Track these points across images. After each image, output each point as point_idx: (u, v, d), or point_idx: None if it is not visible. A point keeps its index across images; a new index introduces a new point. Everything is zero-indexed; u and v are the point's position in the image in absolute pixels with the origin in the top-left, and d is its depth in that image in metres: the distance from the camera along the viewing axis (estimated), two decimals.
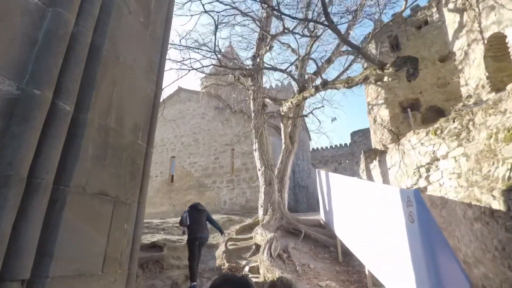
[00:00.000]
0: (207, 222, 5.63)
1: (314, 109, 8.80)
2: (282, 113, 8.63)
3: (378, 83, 9.93)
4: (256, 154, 9.39)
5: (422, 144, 5.27)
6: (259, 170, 9.20)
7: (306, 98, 7.18)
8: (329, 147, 34.34)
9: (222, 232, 5.93)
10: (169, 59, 8.77)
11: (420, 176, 5.44)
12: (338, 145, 33.91)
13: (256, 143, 9.37)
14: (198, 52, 8.77)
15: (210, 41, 9.56)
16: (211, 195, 15.60)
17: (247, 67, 8.37)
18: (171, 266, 5.68)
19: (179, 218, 5.51)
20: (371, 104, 10.37)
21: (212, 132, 17.05)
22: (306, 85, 7.69)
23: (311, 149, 28.13)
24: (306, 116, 8.90)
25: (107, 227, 2.17)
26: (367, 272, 5.20)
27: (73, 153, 1.97)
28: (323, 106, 8.90)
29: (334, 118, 9.73)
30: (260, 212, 8.70)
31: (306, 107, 10.50)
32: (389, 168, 6.98)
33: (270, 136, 15.82)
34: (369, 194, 4.71)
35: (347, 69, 6.99)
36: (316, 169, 9.77)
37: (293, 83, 10.84)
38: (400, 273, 3.74)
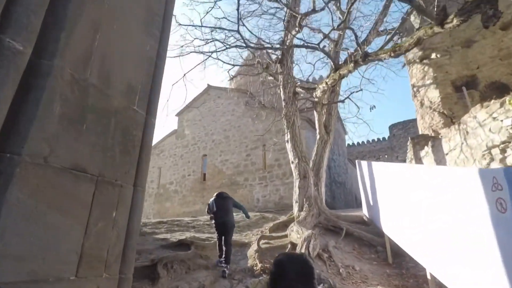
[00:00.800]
0: (235, 207, 5.90)
1: (351, 93, 7.89)
2: (316, 99, 7.82)
3: (425, 61, 8.73)
4: (288, 146, 8.65)
5: (494, 118, 4.22)
6: (292, 163, 8.44)
7: (343, 77, 6.33)
8: (365, 142, 32.50)
9: (247, 216, 6.27)
10: (194, 50, 8.35)
11: (493, 159, 4.39)
12: (376, 140, 31.95)
13: (288, 134, 8.63)
14: (222, 41, 8.23)
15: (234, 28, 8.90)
16: (244, 193, 15.07)
17: (275, 46, 7.65)
18: (198, 267, 5.13)
19: (206, 207, 5.86)
20: (417, 86, 9.18)
21: (243, 128, 16.54)
22: (342, 64, 6.81)
23: (346, 145, 26.69)
24: (342, 101, 8.01)
25: (85, 215, 1.58)
26: (428, 277, 4.27)
27: (28, 109, 1.41)
28: (361, 90, 7.95)
29: (373, 106, 8.71)
30: (295, 208, 7.95)
31: (341, 94, 9.57)
32: (447, 154, 5.91)
33: (303, 130, 14.95)
34: (429, 182, 3.80)
35: (390, 40, 5.99)
36: (356, 161, 8.81)
37: (326, 64, 9.93)
38: (481, 278, 2.83)
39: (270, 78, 11.00)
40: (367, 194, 7.76)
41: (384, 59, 5.04)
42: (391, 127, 30.25)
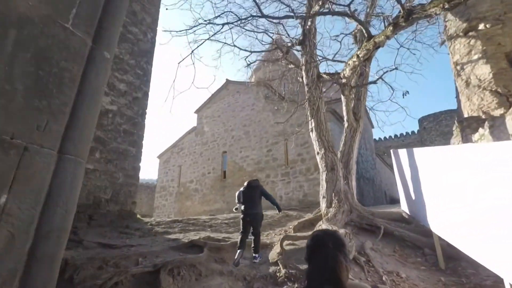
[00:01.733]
0: (264, 197, 5.53)
1: (384, 73, 6.80)
2: (343, 80, 6.81)
3: (471, 33, 7.46)
4: (313, 135, 7.68)
5: None
6: (318, 154, 7.47)
7: (378, 46, 5.29)
8: (393, 136, 30.62)
9: (279, 209, 5.88)
10: (209, 37, 7.57)
11: None
12: (404, 134, 29.97)
13: (312, 122, 7.65)
14: (236, 14, 7.40)
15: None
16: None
17: (298, 14, 6.70)
18: (211, 272, 4.31)
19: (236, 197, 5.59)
20: (460, 63, 7.89)
21: (263, 123, 15.68)
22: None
23: (373, 139, 25.09)
24: (374, 82, 6.93)
25: None
26: (508, 287, 3.19)
27: None
28: (396, 68, 6.82)
29: (406, 92, 7.54)
30: (323, 204, 6.97)
31: (371, 76, 8.46)
32: None
33: (328, 122, 13.84)
34: (501, 164, 2.73)
35: None
36: (392, 150, 7.70)
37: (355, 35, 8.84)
38: None
39: (291, 66, 10.07)
40: (407, 187, 6.64)
41: (435, 14, 3.96)
42: (421, 120, 28.20)
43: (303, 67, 8.04)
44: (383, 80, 7.02)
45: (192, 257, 4.36)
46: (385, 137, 30.89)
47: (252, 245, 5.14)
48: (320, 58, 7.94)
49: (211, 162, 16.96)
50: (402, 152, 7.03)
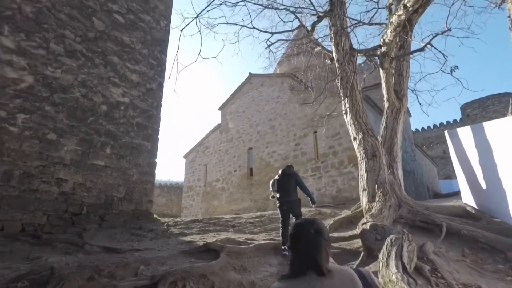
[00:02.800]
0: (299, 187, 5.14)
1: (434, 37, 5.46)
2: (383, 48, 5.58)
3: None
4: (348, 118, 6.49)
5: None
6: (355, 139, 6.26)
7: None
8: (431, 127, 28.02)
9: (313, 201, 5.21)
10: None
11: None
12: (445, 123, 27.29)
13: (346, 102, 6.47)
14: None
15: None
16: None
17: None
18: (227, 284, 3.35)
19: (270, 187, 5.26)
20: None
21: (289, 115, 14.57)
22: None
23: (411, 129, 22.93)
24: (422, 50, 5.62)
25: None
26: None
27: None
28: (449, 29, 5.45)
29: (454, 67, 6.11)
30: (363, 198, 5.76)
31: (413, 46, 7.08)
32: None
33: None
34: None
35: None
36: (447, 131, 6.33)
37: None
38: None
39: (317, 49, 8.91)
40: (473, 174, 5.26)
41: None
42: (464, 107, 25.45)
43: (332, 41, 6.87)
44: (432, 45, 5.66)
45: (202, 265, 3.42)
46: (422, 128, 28.26)
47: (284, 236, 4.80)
48: (354, 22, 6.70)
49: (237, 160, 16.13)
50: (464, 131, 5.65)
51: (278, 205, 5.03)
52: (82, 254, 4.42)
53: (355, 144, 6.32)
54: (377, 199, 5.37)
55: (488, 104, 24.32)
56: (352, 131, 6.37)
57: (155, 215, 7.18)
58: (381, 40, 5.63)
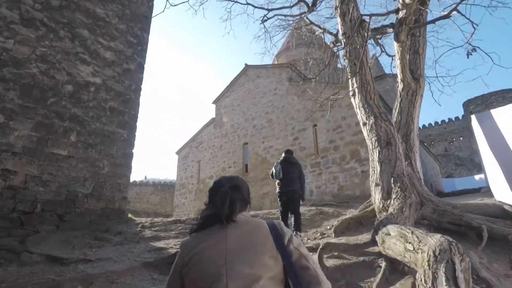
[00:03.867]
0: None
1: (461, 1, 4.44)
2: (400, 14, 4.55)
3: None
4: (356, 100, 5.44)
5: None
6: (365, 125, 5.21)
7: None
8: (433, 124, 27.06)
9: (303, 198, 4.94)
10: None
11: None
12: (447, 120, 26.31)
13: (355, 81, 5.42)
14: None
15: None
16: None
17: None
18: None
19: (271, 171, 4.95)
20: None
21: (287, 108, 13.51)
22: None
23: None
24: (446, 17, 4.62)
25: None
26: None
27: None
28: None
29: (472, 50, 5.08)
30: (376, 194, 4.71)
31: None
32: None
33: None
34: None
35: None
36: (474, 115, 5.31)
37: None
38: None
39: (318, 32, 7.90)
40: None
41: None
42: (467, 104, 24.47)
43: (338, 11, 5.82)
44: (459, 12, 4.62)
45: None
46: (423, 125, 27.30)
47: (293, 225, 4.65)
48: None
49: (232, 156, 15.06)
50: (500, 113, 4.61)
51: (278, 193, 4.77)
52: (16, 265, 3.34)
53: (364, 131, 5.26)
54: (394, 196, 4.32)
55: (492, 101, 23.39)
56: (361, 115, 5.32)
57: (130, 215, 6.10)
58: (399, 2, 4.58)
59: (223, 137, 15.76)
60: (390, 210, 4.02)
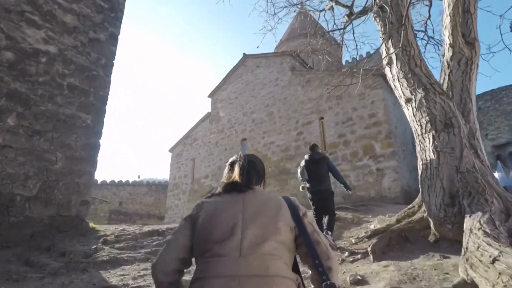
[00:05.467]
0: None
1: None
2: None
3: None
4: (393, 69, 3.97)
5: None
6: (409, 101, 3.72)
7: None
8: None
9: (348, 188, 4.50)
10: None
11: None
12: None
13: (391, 45, 3.96)
14: None
15: None
16: (297, 184, 10.50)
17: None
18: None
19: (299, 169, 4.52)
20: None
21: (290, 100, 12.03)
22: None
23: None
24: None
25: None
26: None
27: None
28: None
29: None
30: (431, 197, 3.23)
31: None
32: None
33: (378, 90, 10.01)
34: None
35: None
36: None
37: None
38: None
39: (329, 6, 6.49)
40: None
41: None
42: (476, 99, 23.07)
43: None
44: None
45: None
46: None
47: (325, 224, 4.13)
48: None
49: (229, 153, 13.54)
50: None
51: (309, 196, 4.34)
52: None
53: (408, 110, 3.78)
54: (466, 201, 2.86)
55: (502, 96, 21.96)
56: (402, 89, 3.84)
57: (92, 225, 4.58)
58: None
59: (219, 133, 14.26)
60: (470, 223, 2.54)
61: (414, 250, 3.21)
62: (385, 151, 9.18)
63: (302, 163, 4.46)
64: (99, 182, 20.97)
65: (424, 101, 3.51)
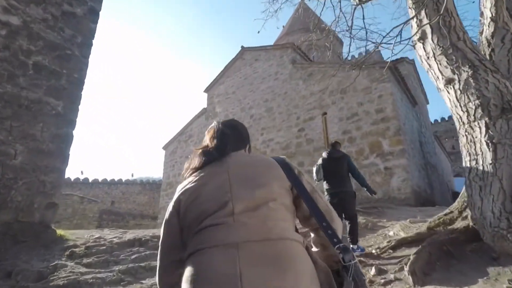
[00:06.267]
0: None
1: None
2: None
3: None
4: (428, 46, 3.23)
5: None
6: (450, 82, 2.98)
7: None
8: (439, 120, 25.17)
9: (372, 191, 3.92)
10: None
11: None
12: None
13: (424, 16, 3.22)
14: None
15: None
16: None
17: None
18: None
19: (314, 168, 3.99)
20: None
21: (291, 95, 11.29)
22: None
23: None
24: None
25: None
26: None
27: None
28: None
29: None
30: (484, 202, 2.53)
31: None
32: None
33: (386, 83, 9.30)
34: None
35: None
36: None
37: None
38: None
39: None
40: None
41: None
42: None
43: None
44: None
45: None
46: (430, 122, 25.38)
47: (348, 235, 3.53)
48: None
49: None
50: None
51: (327, 198, 3.55)
52: None
53: (449, 94, 3.04)
54: None
55: None
56: (440, 68, 3.10)
57: (61, 232, 3.77)
58: None
59: None
60: None
61: (464, 270, 2.48)
62: (394, 149, 8.48)
63: (319, 161, 3.98)
64: (90, 180, 20.07)
65: (471, 81, 2.77)
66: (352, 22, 5.20)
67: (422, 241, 3.27)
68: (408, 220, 4.56)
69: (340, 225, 0.88)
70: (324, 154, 4.06)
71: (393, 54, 3.35)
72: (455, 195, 15.45)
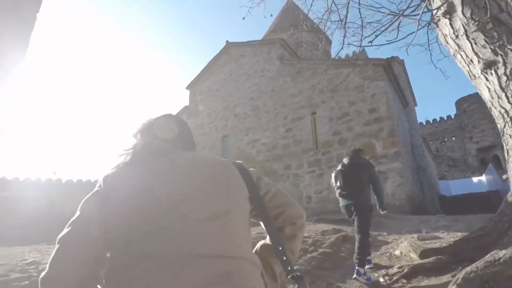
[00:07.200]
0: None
1: None
2: None
3: None
4: (457, 21, 2.52)
5: None
6: (491, 64, 2.25)
7: None
8: (424, 123, 25.14)
9: (382, 207, 3.50)
10: None
11: None
12: (438, 119, 24.41)
13: None
14: None
15: None
16: (286, 187, 8.96)
17: None
18: None
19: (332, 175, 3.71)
20: None
21: (278, 93, 10.53)
22: None
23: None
24: None
25: None
26: None
27: None
28: None
29: None
30: None
31: None
32: None
33: (377, 82, 8.69)
34: None
35: None
36: None
37: None
38: None
39: None
40: None
41: None
42: (460, 102, 22.63)
43: None
44: None
45: None
46: None
47: (356, 252, 3.12)
48: None
49: (208, 151, 11.86)
50: None
51: (341, 205, 3.54)
52: None
53: (488, 81, 2.33)
54: None
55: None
56: (475, 48, 2.38)
57: None
58: None
59: (198, 129, 12.51)
60: None
61: None
62: (388, 151, 7.86)
63: (339, 166, 3.68)
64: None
65: None
66: (347, 12, 4.48)
67: (445, 269, 2.55)
68: (416, 236, 3.84)
69: (300, 233, 0.84)
70: (345, 160, 3.66)
71: (419, 27, 2.58)
72: (442, 198, 15.20)
